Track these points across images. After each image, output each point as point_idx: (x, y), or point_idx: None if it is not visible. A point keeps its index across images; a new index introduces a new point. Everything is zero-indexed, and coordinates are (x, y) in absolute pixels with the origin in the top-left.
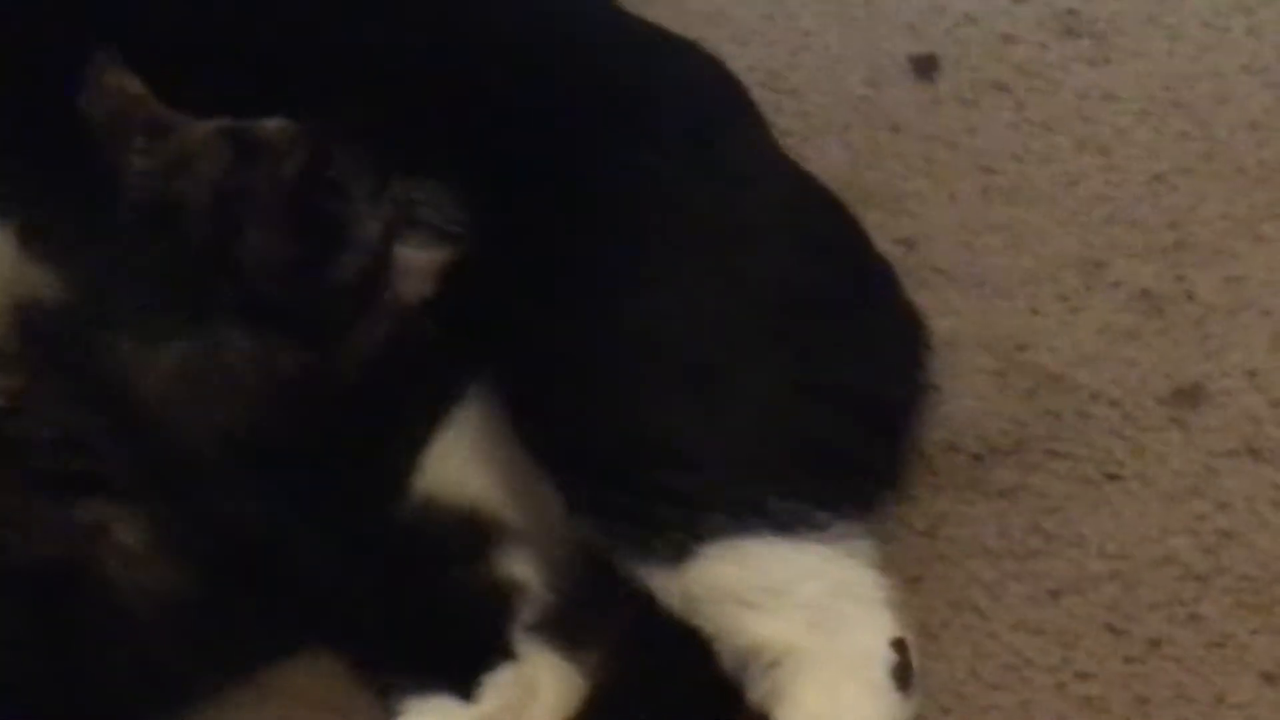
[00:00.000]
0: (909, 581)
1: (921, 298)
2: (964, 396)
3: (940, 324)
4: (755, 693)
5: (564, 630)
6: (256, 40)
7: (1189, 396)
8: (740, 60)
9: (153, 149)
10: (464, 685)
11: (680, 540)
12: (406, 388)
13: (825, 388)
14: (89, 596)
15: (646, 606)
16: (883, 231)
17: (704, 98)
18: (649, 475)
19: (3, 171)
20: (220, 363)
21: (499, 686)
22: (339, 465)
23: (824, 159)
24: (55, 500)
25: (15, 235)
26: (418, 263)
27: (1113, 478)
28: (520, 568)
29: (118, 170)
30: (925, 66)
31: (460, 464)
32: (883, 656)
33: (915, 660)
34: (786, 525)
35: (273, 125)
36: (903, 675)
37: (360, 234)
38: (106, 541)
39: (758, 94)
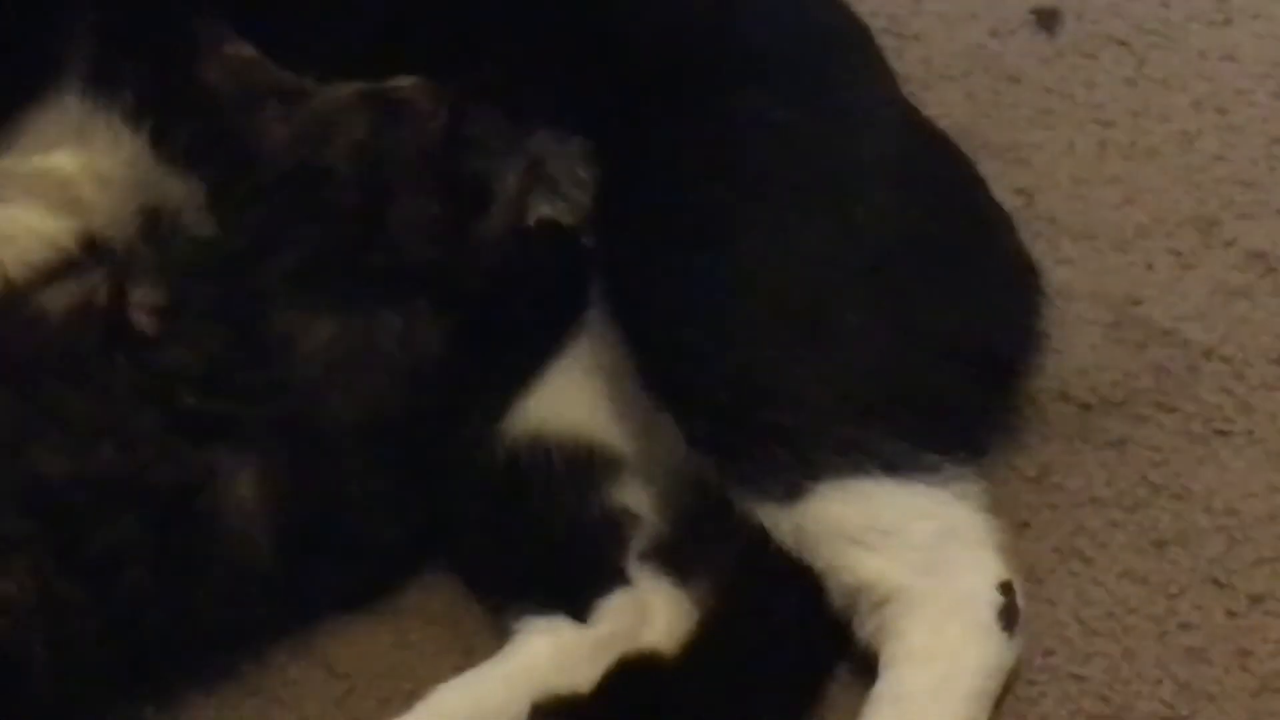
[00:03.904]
0: (1017, 527)
1: (1036, 248)
2: (1075, 347)
3: (1054, 275)
4: (863, 629)
5: (677, 559)
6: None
7: None
8: (863, 5)
9: (289, 115)
10: (579, 608)
11: (792, 478)
12: (523, 324)
13: (936, 331)
14: (200, 525)
15: (758, 539)
16: (999, 181)
17: (825, 40)
18: (760, 412)
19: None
20: (372, 341)
21: (612, 611)
22: (456, 401)
23: (943, 107)
24: (184, 433)
25: (147, 139)
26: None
27: (1221, 433)
28: (635, 497)
29: (253, 136)
30: (1047, 19)
31: (579, 395)
32: (990, 598)
33: (1021, 603)
34: (897, 467)
35: (411, 85)
36: (1009, 617)
37: (501, 190)
38: (223, 485)
39: (880, 40)
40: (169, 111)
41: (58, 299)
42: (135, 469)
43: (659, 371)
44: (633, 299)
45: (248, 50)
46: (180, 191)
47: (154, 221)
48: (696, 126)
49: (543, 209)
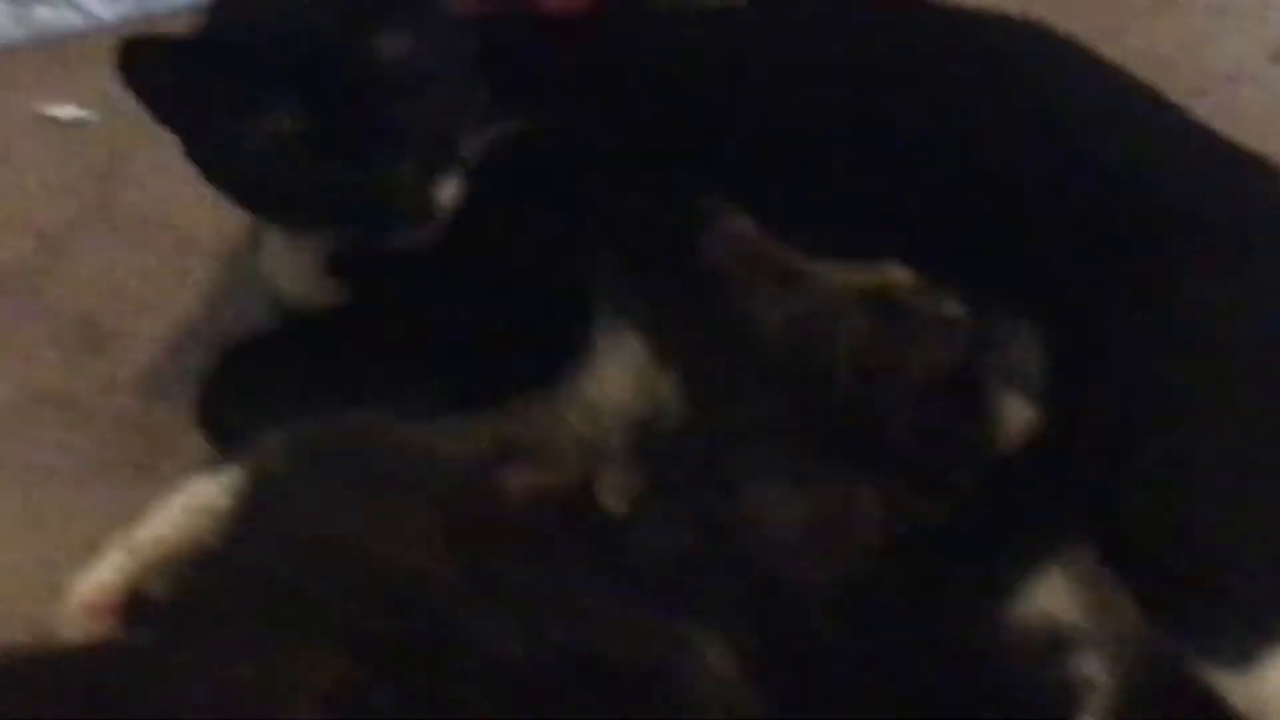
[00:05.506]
0: None
1: None
2: None
3: None
4: None
5: None
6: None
7: None
8: None
9: (784, 299)
10: None
11: (1246, 646)
12: (1009, 525)
13: None
14: (663, 703)
15: (1210, 703)
16: None
17: (1259, 207)
18: (1215, 581)
19: (641, 287)
20: (848, 516)
21: None
22: (940, 601)
23: None
24: (647, 610)
25: (651, 347)
26: (1014, 414)
27: None
28: (1092, 665)
29: (746, 316)
30: None
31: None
32: None
33: None
34: None
35: (910, 285)
36: None
37: (993, 398)
38: (694, 658)
39: None
40: (672, 309)
41: (518, 477)
42: (592, 647)
43: (1116, 542)
44: (1087, 474)
45: (749, 226)
46: (666, 391)
47: (647, 423)
48: (1141, 302)
49: (1011, 405)
